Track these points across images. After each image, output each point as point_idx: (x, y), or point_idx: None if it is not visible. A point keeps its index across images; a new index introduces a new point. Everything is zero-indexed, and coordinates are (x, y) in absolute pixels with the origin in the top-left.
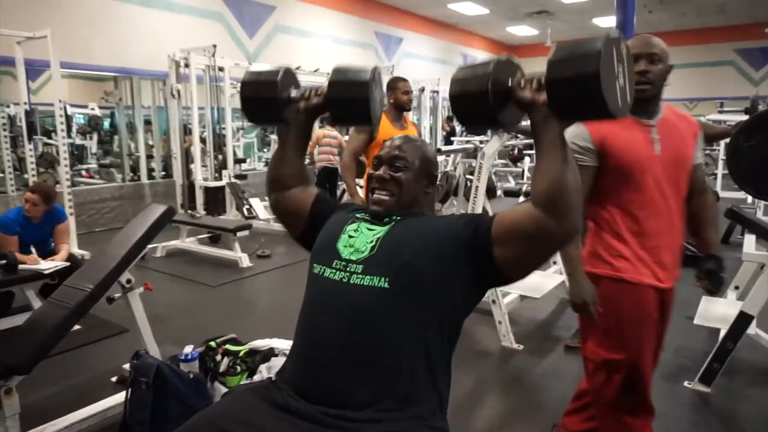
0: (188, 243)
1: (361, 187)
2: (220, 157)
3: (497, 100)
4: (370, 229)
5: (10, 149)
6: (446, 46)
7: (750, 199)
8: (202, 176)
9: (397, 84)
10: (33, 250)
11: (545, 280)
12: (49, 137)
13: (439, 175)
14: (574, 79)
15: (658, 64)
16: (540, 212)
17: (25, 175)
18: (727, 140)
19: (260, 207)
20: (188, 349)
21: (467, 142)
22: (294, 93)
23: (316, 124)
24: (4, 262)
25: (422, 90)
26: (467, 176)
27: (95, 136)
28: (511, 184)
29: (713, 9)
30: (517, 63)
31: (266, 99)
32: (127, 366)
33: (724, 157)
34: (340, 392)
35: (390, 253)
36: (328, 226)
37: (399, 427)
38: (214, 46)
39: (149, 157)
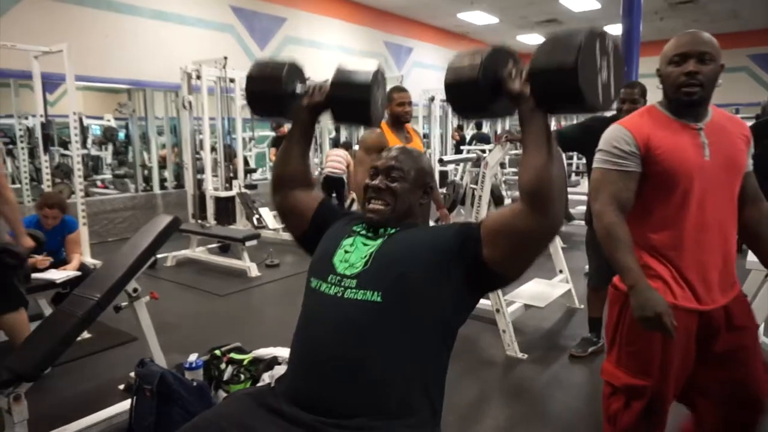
0: (198, 252)
1: None
2: (231, 167)
3: (488, 90)
4: (365, 244)
5: (28, 160)
6: None
7: None
8: (212, 186)
9: (392, 95)
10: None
11: (550, 290)
12: (66, 148)
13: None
14: (554, 71)
15: (710, 64)
16: (524, 206)
17: (42, 186)
18: None
19: (270, 217)
20: (193, 357)
21: (482, 151)
22: (299, 89)
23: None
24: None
25: (432, 99)
26: (472, 185)
27: (110, 147)
28: None
29: (726, 15)
30: (513, 52)
31: (271, 93)
32: (133, 374)
33: None
34: (334, 402)
35: (382, 266)
36: (326, 237)
37: None
38: (225, 58)
39: (162, 167)
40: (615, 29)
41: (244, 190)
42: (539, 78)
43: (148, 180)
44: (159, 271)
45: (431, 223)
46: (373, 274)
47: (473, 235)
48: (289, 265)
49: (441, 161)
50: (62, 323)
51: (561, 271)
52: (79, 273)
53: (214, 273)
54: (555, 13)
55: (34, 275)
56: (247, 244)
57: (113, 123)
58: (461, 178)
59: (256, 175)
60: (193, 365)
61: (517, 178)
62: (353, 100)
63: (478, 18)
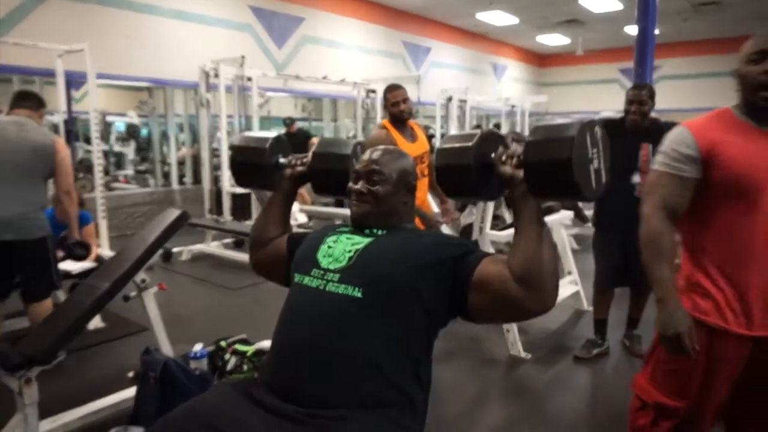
0: (213, 247)
1: None
2: None
3: (480, 174)
4: (349, 239)
5: None
6: (475, 56)
7: None
8: (229, 182)
9: (386, 96)
10: None
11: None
12: (89, 143)
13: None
14: (548, 163)
15: None
16: (515, 284)
17: None
18: None
19: None
20: (197, 347)
21: None
22: (282, 160)
23: None
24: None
25: (450, 99)
26: None
27: (133, 144)
28: None
29: (750, 15)
30: (503, 137)
31: (255, 164)
32: None
33: None
34: (312, 393)
35: (367, 265)
36: (307, 241)
37: (366, 426)
38: (243, 57)
39: (181, 163)
40: (637, 30)
41: None
42: (534, 168)
43: (167, 176)
44: (174, 265)
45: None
46: (357, 271)
47: (472, 261)
48: None
49: None
50: (73, 311)
51: (569, 273)
52: (95, 264)
53: (227, 267)
54: (575, 13)
55: None
56: None
57: (136, 120)
58: None
59: None
60: (198, 355)
61: None
62: (332, 170)
63: (497, 18)
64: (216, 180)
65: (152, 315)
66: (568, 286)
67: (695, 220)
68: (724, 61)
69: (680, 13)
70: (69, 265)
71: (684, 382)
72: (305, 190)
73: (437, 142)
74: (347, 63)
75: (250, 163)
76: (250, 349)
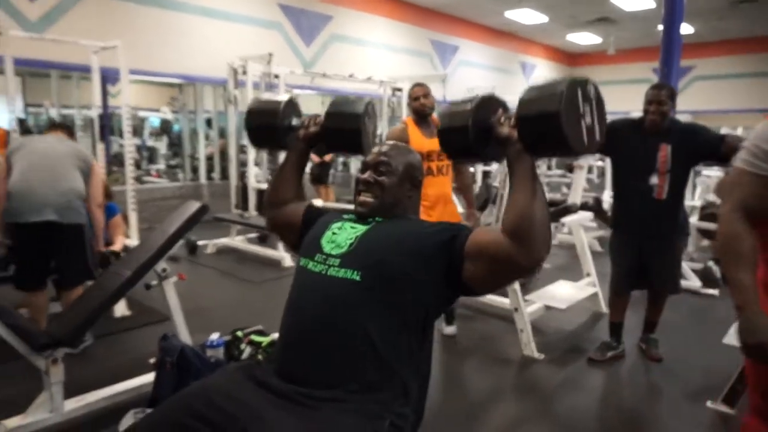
0: (237, 241)
1: None
2: (275, 160)
3: (479, 136)
4: (352, 227)
5: (91, 149)
6: (504, 54)
7: None
8: (255, 178)
9: (409, 91)
10: None
11: (574, 292)
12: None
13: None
14: (538, 117)
15: None
16: (507, 240)
17: None
18: None
19: None
20: (214, 336)
21: None
22: (295, 121)
23: None
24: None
25: None
26: (495, 185)
27: (165, 139)
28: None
29: None
30: (501, 101)
31: (269, 126)
32: None
33: None
34: (309, 373)
35: (365, 249)
36: (316, 225)
37: (360, 408)
38: (270, 54)
39: (209, 159)
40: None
41: None
42: (525, 123)
43: (196, 170)
44: (199, 257)
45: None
46: (356, 256)
47: (460, 239)
48: None
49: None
50: (96, 297)
51: (588, 274)
52: (123, 254)
53: (251, 261)
54: (606, 11)
55: None
56: None
57: (170, 116)
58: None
59: None
60: (214, 343)
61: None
62: (345, 130)
63: (526, 16)
64: (242, 176)
65: (172, 303)
66: (586, 288)
67: None
68: (763, 60)
69: (716, 11)
70: None
71: None
72: (330, 189)
73: None
74: (374, 61)
75: (264, 125)
76: (265, 340)
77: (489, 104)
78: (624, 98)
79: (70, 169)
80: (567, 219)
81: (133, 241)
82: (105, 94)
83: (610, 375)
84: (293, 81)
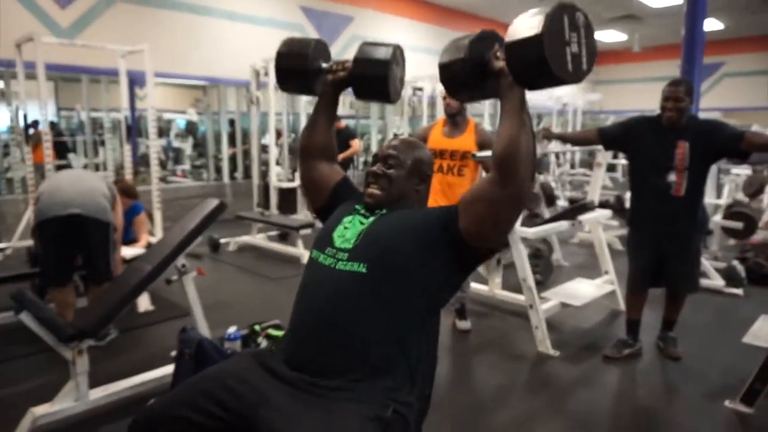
0: (258, 239)
1: None
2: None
3: (476, 70)
4: (361, 222)
5: (119, 150)
6: None
7: None
8: (276, 178)
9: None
10: None
11: (591, 289)
12: None
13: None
14: (522, 42)
15: None
16: (494, 172)
17: (125, 173)
18: None
19: None
20: (232, 329)
21: None
22: (324, 65)
23: None
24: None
25: None
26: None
27: (190, 140)
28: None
29: None
30: (498, 36)
31: (298, 70)
32: None
33: None
34: (317, 362)
35: (369, 242)
36: (334, 214)
37: (364, 396)
38: None
39: (232, 159)
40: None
41: None
42: (511, 49)
43: (219, 170)
44: (221, 255)
45: None
46: (362, 249)
47: (453, 208)
48: None
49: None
50: (119, 291)
51: (606, 272)
52: (144, 251)
53: (271, 259)
54: (631, 8)
55: None
56: (302, 232)
57: (195, 117)
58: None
59: None
60: (232, 336)
61: (584, 179)
62: (372, 75)
63: None
64: (264, 175)
65: (191, 297)
66: (604, 286)
67: None
68: None
69: (748, 6)
70: (123, 251)
71: None
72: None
73: None
74: None
75: (293, 68)
76: (281, 334)
77: (486, 39)
78: (649, 96)
79: (97, 180)
80: (585, 217)
81: (157, 238)
82: (133, 96)
83: (625, 372)
84: None
